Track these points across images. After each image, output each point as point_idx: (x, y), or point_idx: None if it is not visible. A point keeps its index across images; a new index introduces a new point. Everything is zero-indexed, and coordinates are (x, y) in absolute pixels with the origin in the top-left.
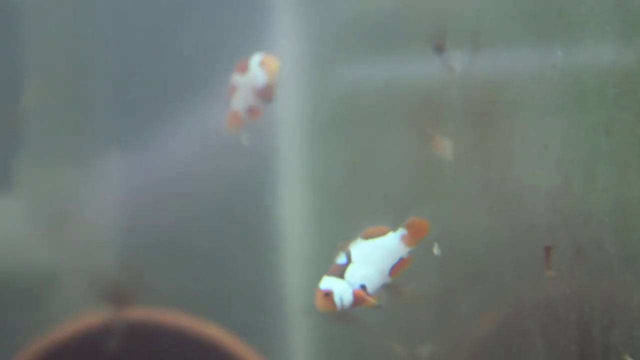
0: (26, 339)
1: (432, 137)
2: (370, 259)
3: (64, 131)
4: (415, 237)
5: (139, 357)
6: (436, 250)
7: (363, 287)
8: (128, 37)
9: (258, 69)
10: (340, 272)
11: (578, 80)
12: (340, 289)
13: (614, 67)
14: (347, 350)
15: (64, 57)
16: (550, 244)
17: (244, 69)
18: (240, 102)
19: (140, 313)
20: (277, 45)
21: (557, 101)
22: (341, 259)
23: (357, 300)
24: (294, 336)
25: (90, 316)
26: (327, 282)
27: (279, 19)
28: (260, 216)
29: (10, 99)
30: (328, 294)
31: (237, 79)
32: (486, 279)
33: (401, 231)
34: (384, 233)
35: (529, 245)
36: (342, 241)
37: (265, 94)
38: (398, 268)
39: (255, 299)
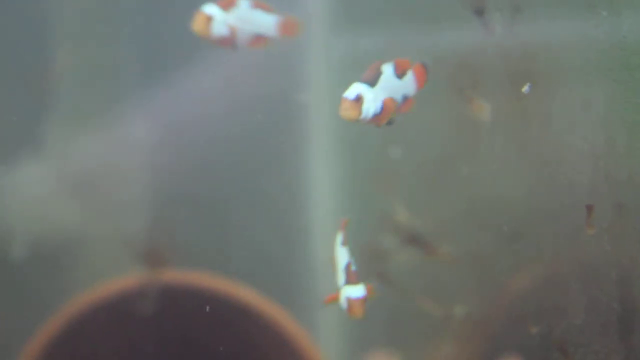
0: (59, 301)
1: (470, 99)
2: (389, 88)
3: (92, 95)
4: (420, 80)
5: (172, 319)
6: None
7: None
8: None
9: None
10: (372, 81)
11: (622, 39)
12: (372, 96)
13: None
14: (381, 311)
15: (93, 23)
16: (591, 202)
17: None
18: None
19: (173, 275)
20: (309, 6)
21: (600, 60)
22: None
23: (386, 109)
24: (325, 296)
25: (123, 278)
26: (358, 88)
27: None
28: (290, 181)
29: (41, 64)
30: (358, 99)
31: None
32: (525, 238)
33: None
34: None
35: (570, 203)
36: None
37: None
38: (404, 107)
39: (287, 259)
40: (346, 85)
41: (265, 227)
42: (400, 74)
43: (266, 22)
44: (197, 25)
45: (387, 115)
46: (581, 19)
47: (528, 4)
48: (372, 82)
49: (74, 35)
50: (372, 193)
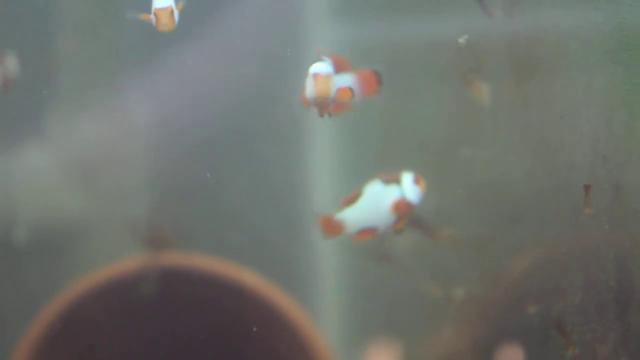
0: (61, 285)
1: (471, 83)
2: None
3: (93, 82)
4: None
5: (174, 302)
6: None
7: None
8: None
9: (412, 184)
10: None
11: (621, 21)
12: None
13: None
14: (383, 292)
15: (93, 10)
16: (590, 184)
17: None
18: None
19: (175, 258)
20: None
21: (600, 42)
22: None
23: (340, 94)
24: (328, 279)
25: (126, 261)
26: (324, 66)
27: None
28: (292, 162)
29: (42, 51)
30: (329, 75)
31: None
32: (525, 220)
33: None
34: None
35: (569, 184)
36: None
37: (319, 109)
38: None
39: (288, 242)
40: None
41: (265, 211)
42: (337, 70)
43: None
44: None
45: (342, 98)
46: (581, 1)
47: None
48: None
49: (75, 22)
50: (373, 176)
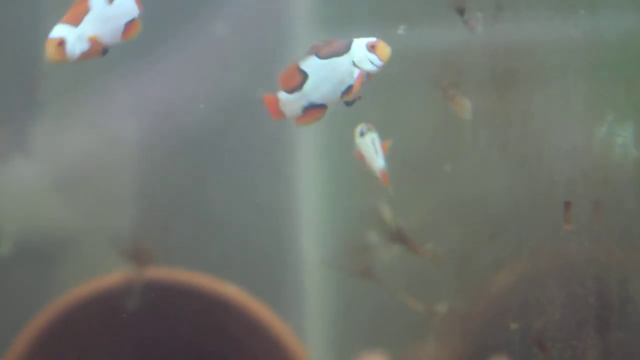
0: (45, 298)
1: (452, 97)
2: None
3: (79, 93)
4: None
5: (157, 316)
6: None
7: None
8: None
9: (365, 52)
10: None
11: (600, 39)
12: (75, 35)
13: (636, 25)
14: (365, 307)
15: None
16: (570, 200)
17: (340, 49)
18: (317, 90)
19: (158, 272)
20: (291, 7)
21: (580, 58)
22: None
23: (93, 47)
24: (311, 294)
25: (109, 275)
26: (60, 30)
27: None
28: (275, 176)
29: (27, 61)
30: (61, 42)
31: (316, 62)
32: (505, 236)
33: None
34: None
35: (549, 201)
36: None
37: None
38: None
39: (271, 257)
40: None
41: (251, 224)
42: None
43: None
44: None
45: (95, 51)
46: (561, 18)
47: (509, 3)
48: (74, 22)
49: None
50: (357, 190)
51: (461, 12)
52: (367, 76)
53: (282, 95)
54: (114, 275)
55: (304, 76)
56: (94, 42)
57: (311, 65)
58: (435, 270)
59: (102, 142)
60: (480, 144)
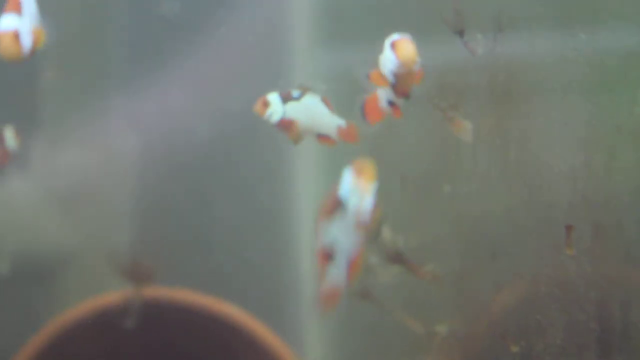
0: (43, 317)
1: (452, 119)
2: (310, 113)
3: (77, 109)
4: (344, 136)
5: (155, 335)
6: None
7: (291, 121)
8: (143, 21)
9: (390, 52)
10: (286, 98)
11: (601, 63)
12: (276, 108)
13: (637, 49)
14: (364, 327)
15: (79, 38)
16: (570, 223)
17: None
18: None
19: (157, 291)
20: (293, 23)
21: (580, 82)
22: (294, 93)
23: (282, 125)
24: (310, 313)
25: (108, 294)
26: (272, 97)
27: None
28: (276, 198)
29: (27, 78)
30: (266, 103)
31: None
32: (505, 257)
33: (342, 122)
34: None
35: (549, 224)
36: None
37: (399, 87)
38: (324, 139)
39: (271, 277)
40: (331, 99)
41: (250, 242)
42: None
43: (328, 123)
44: (256, 107)
45: (285, 129)
46: (561, 39)
47: (509, 24)
48: (285, 98)
49: (56, 50)
50: None
51: (461, 33)
52: (395, 76)
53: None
54: (113, 293)
55: None
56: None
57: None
58: (435, 291)
59: (102, 159)
60: (480, 164)
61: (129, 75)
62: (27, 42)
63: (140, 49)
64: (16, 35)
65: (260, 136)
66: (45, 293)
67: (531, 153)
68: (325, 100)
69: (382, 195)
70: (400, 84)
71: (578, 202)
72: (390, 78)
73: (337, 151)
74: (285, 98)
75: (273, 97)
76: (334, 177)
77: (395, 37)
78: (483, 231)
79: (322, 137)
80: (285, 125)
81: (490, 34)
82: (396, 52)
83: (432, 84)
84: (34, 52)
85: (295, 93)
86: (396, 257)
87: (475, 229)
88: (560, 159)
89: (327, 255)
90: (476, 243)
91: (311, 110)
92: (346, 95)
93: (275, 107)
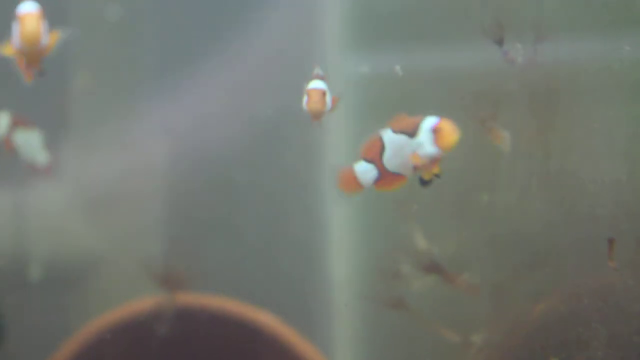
0: (75, 324)
1: (490, 129)
2: (400, 153)
3: (109, 117)
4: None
5: (188, 342)
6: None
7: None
8: (173, 29)
9: (429, 134)
10: (323, 79)
11: None
12: (328, 90)
13: None
14: (397, 337)
15: (108, 46)
16: (612, 236)
17: (410, 128)
18: (392, 160)
19: (189, 298)
20: (323, 26)
21: (623, 94)
22: (318, 71)
23: (334, 103)
24: (343, 323)
25: (140, 300)
26: (318, 84)
27: (327, 3)
28: (307, 204)
29: (58, 86)
30: (324, 93)
31: (391, 135)
32: (544, 268)
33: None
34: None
35: (591, 236)
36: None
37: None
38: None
39: (303, 285)
40: (362, 105)
41: (282, 250)
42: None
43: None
44: (315, 103)
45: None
46: (602, 48)
47: (550, 33)
48: (323, 79)
49: (88, 58)
50: (391, 217)
51: (500, 43)
52: (433, 159)
53: (359, 166)
54: (145, 299)
55: (383, 146)
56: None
57: (388, 137)
58: (471, 301)
59: (133, 166)
60: (519, 174)
61: (161, 81)
62: (45, 38)
63: (171, 55)
64: (40, 17)
65: (291, 141)
66: (77, 299)
67: (572, 164)
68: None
69: (419, 203)
70: (432, 164)
71: (621, 215)
72: (424, 160)
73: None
74: (322, 78)
75: (321, 84)
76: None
77: (433, 120)
78: (521, 242)
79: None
80: (336, 101)
81: (530, 43)
82: (439, 138)
83: (467, 93)
84: (48, 50)
85: (317, 71)
86: (431, 266)
87: (513, 239)
88: (603, 170)
89: (376, 152)
90: (514, 253)
91: None
92: (373, 100)
93: (328, 90)
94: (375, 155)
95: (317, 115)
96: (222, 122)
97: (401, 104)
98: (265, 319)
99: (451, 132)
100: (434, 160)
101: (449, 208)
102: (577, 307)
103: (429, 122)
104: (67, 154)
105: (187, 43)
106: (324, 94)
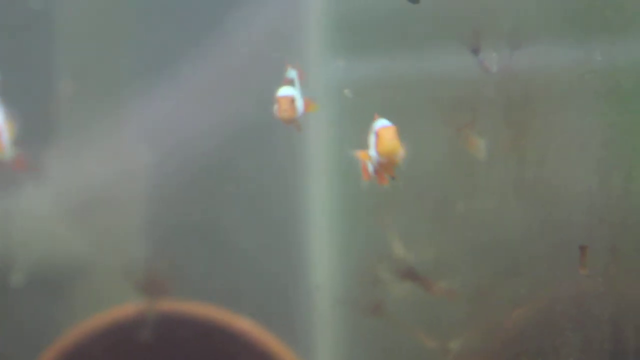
0: (58, 329)
1: (466, 137)
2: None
3: (93, 123)
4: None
5: (170, 348)
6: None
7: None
8: (155, 33)
9: (373, 138)
10: (292, 84)
11: (617, 84)
12: (297, 95)
13: None
14: (377, 343)
15: (95, 53)
16: (586, 243)
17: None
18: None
19: (172, 304)
20: (304, 35)
21: (597, 103)
22: (290, 73)
23: (306, 108)
24: (323, 329)
25: (123, 307)
26: (287, 90)
27: (308, 8)
28: (289, 210)
29: (43, 91)
30: (293, 100)
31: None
32: (520, 275)
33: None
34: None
35: (565, 243)
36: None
37: (382, 169)
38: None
39: (284, 291)
40: (343, 110)
41: (264, 256)
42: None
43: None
44: (284, 111)
45: (307, 109)
46: (578, 57)
47: (525, 44)
48: (292, 84)
49: (72, 63)
50: (371, 224)
51: (476, 52)
52: (378, 162)
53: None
54: (128, 306)
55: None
56: None
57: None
58: (449, 308)
59: (116, 172)
60: (495, 182)
61: (143, 86)
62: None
63: (153, 60)
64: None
65: (274, 145)
66: (60, 305)
67: (547, 172)
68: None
69: (397, 209)
70: (383, 167)
71: (595, 223)
72: (375, 159)
73: (351, 158)
74: (291, 83)
75: (289, 90)
76: (348, 185)
77: (381, 123)
78: (498, 249)
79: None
80: (309, 105)
81: (504, 52)
82: (378, 143)
83: (446, 101)
84: None
85: (290, 73)
86: (409, 273)
87: (490, 246)
88: (577, 178)
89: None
90: (491, 261)
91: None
92: (353, 105)
93: (298, 96)
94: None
95: (288, 122)
96: (205, 126)
97: (380, 110)
98: (247, 325)
99: (389, 140)
100: (386, 163)
101: (428, 214)
102: (552, 314)
103: (376, 125)
104: (51, 159)
105: (170, 48)
106: (292, 100)
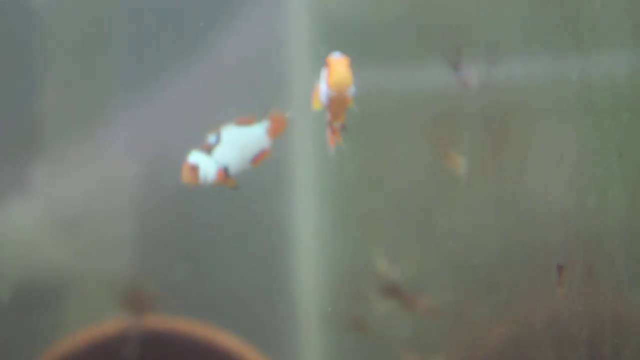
0: (43, 344)
1: (446, 153)
2: (237, 144)
3: (77, 135)
4: (276, 130)
5: None
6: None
7: (226, 168)
8: (140, 45)
9: (324, 72)
10: (208, 150)
11: (593, 104)
12: (206, 165)
13: (627, 91)
14: (360, 359)
15: (79, 64)
16: (562, 261)
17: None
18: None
19: (156, 320)
20: (290, 48)
21: (574, 118)
22: (211, 139)
23: (219, 179)
24: (308, 344)
25: (106, 323)
26: (195, 157)
27: (292, 21)
28: (273, 224)
29: (26, 104)
30: (194, 168)
31: None
32: (498, 292)
33: (266, 123)
34: (251, 122)
35: (542, 261)
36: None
37: (331, 111)
38: (260, 157)
39: (269, 306)
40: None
41: (249, 271)
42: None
43: (256, 136)
44: (185, 177)
45: (222, 182)
46: (555, 75)
47: (503, 59)
48: (207, 151)
49: (56, 76)
50: (356, 239)
51: (456, 67)
52: (328, 99)
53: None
54: (111, 322)
55: None
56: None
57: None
58: (430, 323)
59: (101, 185)
60: (474, 198)
61: (129, 98)
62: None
63: (138, 72)
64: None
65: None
66: (44, 320)
67: (525, 188)
68: (240, 121)
69: (380, 225)
70: (333, 107)
71: (571, 241)
72: (325, 100)
73: (333, 171)
74: (207, 149)
75: (197, 156)
76: (330, 198)
77: (334, 55)
78: (477, 265)
79: (256, 158)
80: (223, 177)
81: (484, 68)
82: (329, 74)
83: (426, 115)
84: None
85: (211, 138)
86: (391, 290)
87: (469, 262)
88: (553, 197)
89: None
90: (470, 277)
91: (236, 141)
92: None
93: (206, 165)
94: None
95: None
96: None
97: (361, 125)
98: (231, 341)
99: (339, 72)
100: (337, 100)
101: (408, 231)
102: (529, 331)
103: (330, 57)
104: (35, 172)
105: (156, 60)
106: (194, 169)
